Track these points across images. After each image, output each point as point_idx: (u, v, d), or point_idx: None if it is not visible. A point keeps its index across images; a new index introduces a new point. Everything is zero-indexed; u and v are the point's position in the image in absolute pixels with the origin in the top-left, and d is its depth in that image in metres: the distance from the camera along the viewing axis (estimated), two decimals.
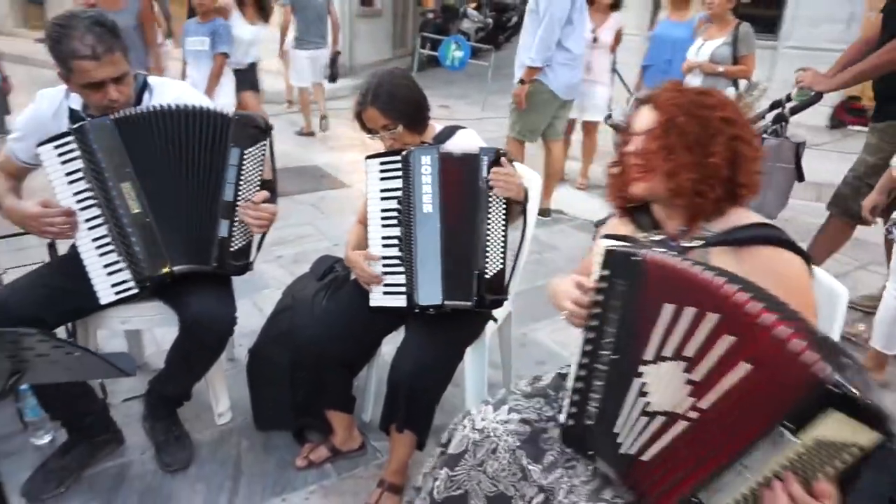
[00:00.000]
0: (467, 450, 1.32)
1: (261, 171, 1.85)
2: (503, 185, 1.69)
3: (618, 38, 4.61)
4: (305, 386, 1.95)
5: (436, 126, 1.96)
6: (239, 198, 1.81)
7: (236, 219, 1.82)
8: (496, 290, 1.76)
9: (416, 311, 1.80)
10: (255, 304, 2.95)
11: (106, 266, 1.78)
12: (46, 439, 2.10)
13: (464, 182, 1.75)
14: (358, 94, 1.85)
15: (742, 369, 0.92)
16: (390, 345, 2.09)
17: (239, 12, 4.70)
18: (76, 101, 1.82)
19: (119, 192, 1.74)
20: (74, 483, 1.94)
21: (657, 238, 1.28)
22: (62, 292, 1.77)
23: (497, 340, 2.29)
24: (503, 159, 1.73)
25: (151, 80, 1.92)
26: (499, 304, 1.81)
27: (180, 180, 1.80)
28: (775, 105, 3.00)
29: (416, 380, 1.70)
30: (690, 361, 1.00)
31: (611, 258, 1.15)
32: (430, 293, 1.78)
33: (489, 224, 1.73)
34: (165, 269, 1.80)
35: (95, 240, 1.77)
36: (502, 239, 1.75)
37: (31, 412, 2.08)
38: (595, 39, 4.42)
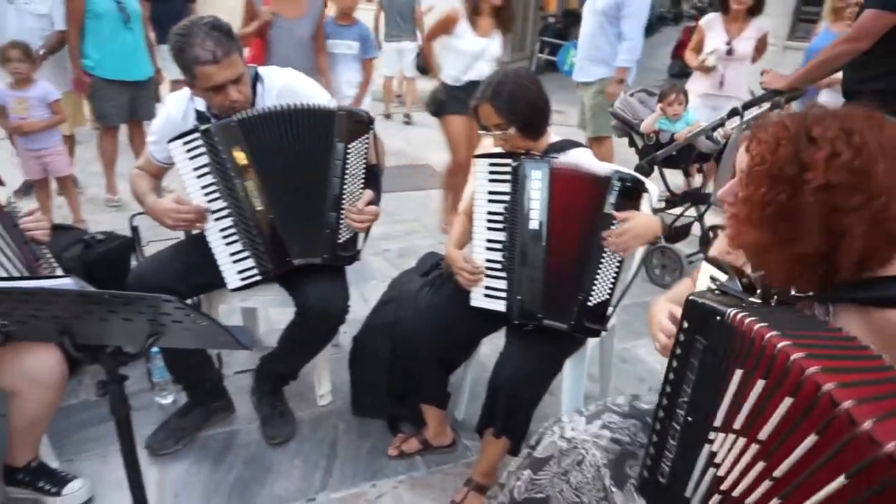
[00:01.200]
0: (553, 456, 1.30)
1: (364, 162, 1.90)
2: (626, 240, 1.64)
3: (761, 47, 4.08)
4: (403, 377, 1.99)
5: (551, 135, 1.91)
6: (344, 191, 1.88)
7: (342, 211, 1.89)
8: (596, 319, 1.73)
9: (515, 322, 1.79)
10: (361, 294, 3.05)
11: (232, 255, 1.90)
12: (169, 399, 2.29)
13: (583, 204, 1.70)
14: (480, 87, 1.83)
15: (836, 483, 0.75)
16: (488, 345, 2.10)
17: (468, 22, 3.52)
18: (201, 103, 1.92)
19: (244, 191, 1.83)
20: (190, 442, 2.11)
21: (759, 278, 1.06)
22: (194, 267, 1.92)
23: (597, 353, 2.24)
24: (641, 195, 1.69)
25: (261, 70, 1.99)
26: (596, 333, 1.77)
27: (295, 176, 1.88)
28: (732, 113, 3.03)
29: (517, 388, 1.69)
30: (763, 446, 0.86)
31: (692, 311, 0.99)
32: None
33: (606, 253, 1.69)
34: (287, 263, 1.89)
35: (222, 230, 1.88)
36: (615, 270, 1.70)
37: (158, 373, 2.28)
38: (730, 52, 3.95)
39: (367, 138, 1.89)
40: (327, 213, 1.89)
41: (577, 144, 1.89)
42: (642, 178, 1.72)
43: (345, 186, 1.88)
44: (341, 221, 1.90)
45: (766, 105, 2.84)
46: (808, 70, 2.68)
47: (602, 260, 1.69)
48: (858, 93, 2.49)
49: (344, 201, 1.89)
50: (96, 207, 4.16)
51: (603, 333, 1.95)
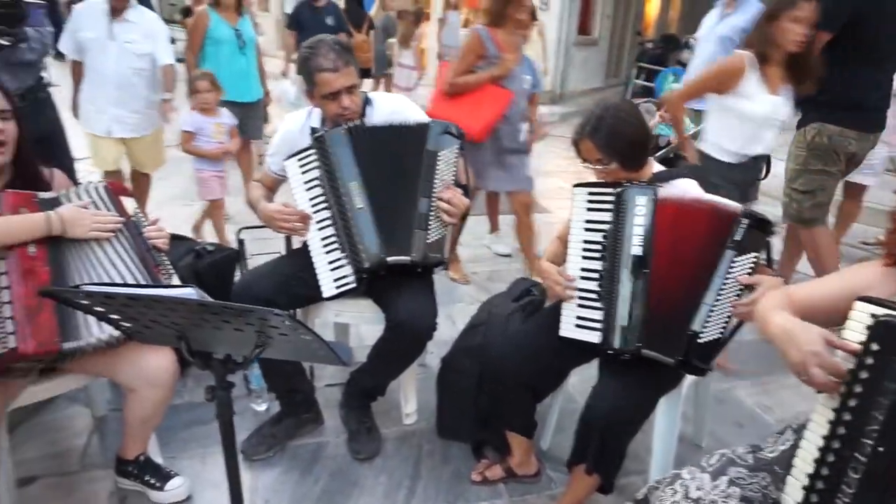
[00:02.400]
0: None
1: (454, 171, 2.00)
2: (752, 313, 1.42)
3: None
4: (490, 402, 1.98)
5: (654, 164, 1.88)
6: (433, 194, 1.97)
7: (431, 213, 1.97)
8: (705, 357, 1.65)
9: (610, 352, 1.74)
10: (448, 315, 3.08)
11: (330, 263, 2.00)
12: (263, 407, 2.39)
13: (699, 236, 1.66)
14: (580, 122, 1.85)
15: None
16: (577, 376, 2.05)
17: (759, 74, 2.47)
18: (316, 120, 2.12)
19: (347, 190, 1.97)
20: (280, 451, 2.18)
21: None
22: (294, 280, 2.02)
23: (693, 392, 2.14)
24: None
25: (371, 95, 2.17)
26: (701, 372, 1.69)
27: (392, 180, 1.99)
28: None
29: (612, 424, 1.64)
30: None
31: (882, 330, 0.94)
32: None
33: (724, 288, 1.62)
34: (381, 260, 1.96)
35: (323, 239, 2.00)
36: (732, 307, 1.62)
37: (255, 381, 2.38)
38: None
39: (457, 149, 2.01)
40: (418, 213, 1.96)
41: (682, 175, 1.83)
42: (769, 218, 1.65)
43: (434, 189, 1.96)
44: (430, 222, 1.96)
45: None
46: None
47: (720, 296, 1.62)
48: (813, 102, 2.68)
49: (433, 203, 1.96)
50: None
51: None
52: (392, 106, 2.15)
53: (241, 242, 2.58)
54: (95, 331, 1.60)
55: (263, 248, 2.77)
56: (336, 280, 1.99)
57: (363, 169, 1.98)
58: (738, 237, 1.61)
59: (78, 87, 3.47)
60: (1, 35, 1.95)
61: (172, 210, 4.24)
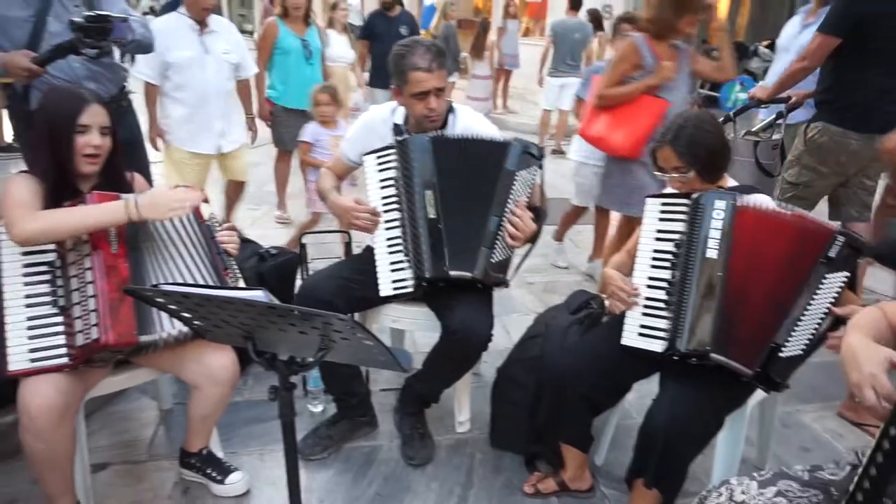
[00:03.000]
0: None
1: (529, 192, 1.98)
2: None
3: None
4: (545, 414, 1.96)
5: (728, 179, 1.86)
6: (505, 213, 1.96)
7: (500, 233, 1.96)
8: (783, 373, 1.60)
9: (676, 357, 1.70)
10: (503, 325, 3.07)
11: (392, 264, 2.02)
12: (319, 408, 2.44)
13: (785, 249, 1.63)
14: (659, 131, 1.85)
15: None
16: (635, 392, 2.01)
17: None
18: (399, 117, 2.15)
19: (422, 198, 1.98)
20: (335, 452, 2.22)
21: None
22: (353, 283, 2.06)
23: (758, 414, 2.06)
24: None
25: (455, 105, 2.19)
26: (777, 387, 1.63)
27: (467, 194, 1.98)
28: (726, 119, 3.22)
29: (673, 435, 1.60)
30: None
31: None
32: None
33: (813, 303, 1.59)
34: (443, 271, 1.96)
35: (389, 239, 2.03)
36: (817, 323, 1.58)
37: (313, 382, 2.44)
38: None
39: (535, 170, 2.00)
40: (486, 232, 1.95)
41: (755, 190, 1.80)
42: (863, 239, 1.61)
43: (506, 210, 1.95)
44: (497, 241, 1.95)
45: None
46: (777, 85, 3.06)
47: (808, 310, 1.59)
48: (819, 102, 2.84)
49: (504, 224, 1.95)
50: (268, 223, 4.58)
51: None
52: (470, 119, 2.17)
53: (302, 247, 2.64)
54: (167, 326, 1.68)
55: (323, 253, 2.84)
56: (395, 281, 2.01)
57: (441, 179, 1.98)
58: (831, 254, 1.58)
59: (154, 111, 3.37)
60: (89, 47, 2.07)
61: (237, 213, 4.39)
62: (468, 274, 1.97)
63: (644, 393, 1.93)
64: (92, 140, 1.71)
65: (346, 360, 1.39)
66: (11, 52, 2.15)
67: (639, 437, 1.70)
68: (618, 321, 1.86)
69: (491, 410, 2.26)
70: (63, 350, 1.61)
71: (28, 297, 1.62)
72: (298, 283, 2.89)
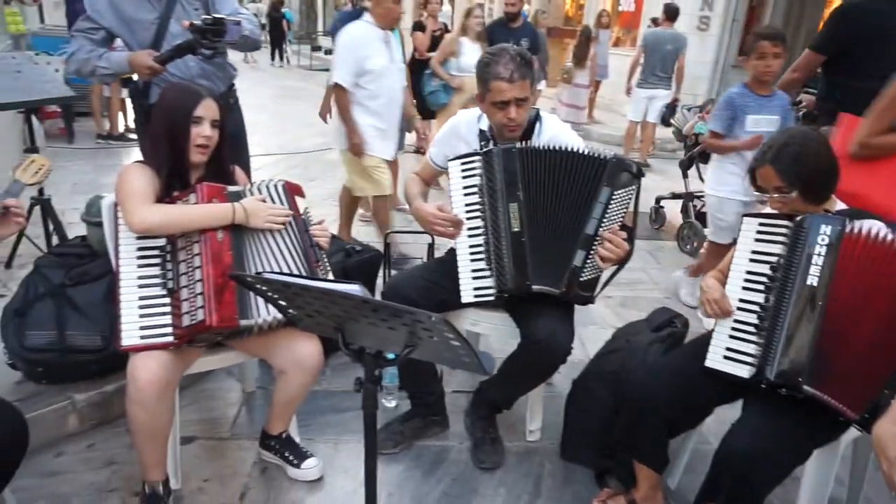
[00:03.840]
0: None
1: (624, 212, 1.94)
2: None
3: None
4: (621, 430, 1.93)
5: (836, 202, 1.77)
6: (598, 233, 1.92)
7: (592, 251, 1.92)
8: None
9: (763, 385, 1.64)
10: (579, 337, 3.00)
11: (474, 271, 2.04)
12: (393, 404, 2.50)
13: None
14: (759, 149, 1.77)
15: None
16: (714, 416, 1.94)
17: None
18: (485, 123, 2.17)
19: (506, 211, 1.97)
20: (406, 448, 2.27)
21: None
22: (437, 286, 2.09)
23: (852, 452, 1.95)
24: None
25: (543, 114, 2.18)
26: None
27: (555, 209, 1.97)
28: None
29: (749, 464, 1.54)
30: None
31: None
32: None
33: None
34: (526, 286, 1.95)
35: (471, 247, 2.04)
36: None
37: (388, 378, 2.49)
38: None
39: (632, 190, 1.94)
40: (577, 250, 1.93)
41: (869, 215, 1.69)
42: None
43: (600, 228, 1.92)
44: (588, 260, 1.93)
45: None
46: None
47: None
48: (819, 109, 3.18)
49: (596, 243, 1.92)
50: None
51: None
52: (556, 129, 2.16)
53: (387, 246, 2.72)
54: (263, 312, 1.77)
55: (406, 252, 2.90)
56: (476, 289, 2.03)
57: (527, 192, 1.96)
58: None
59: (350, 118, 3.39)
60: (205, 48, 2.22)
61: (324, 210, 4.54)
62: (553, 290, 1.95)
63: (724, 419, 1.85)
64: (203, 131, 1.84)
65: (431, 359, 1.42)
66: (137, 51, 2.34)
67: (714, 461, 1.64)
68: (702, 343, 1.81)
69: (564, 421, 2.25)
70: (169, 329, 1.73)
71: (141, 278, 1.76)
72: (380, 280, 2.99)
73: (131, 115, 6.62)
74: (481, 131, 2.16)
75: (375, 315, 1.22)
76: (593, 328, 3.17)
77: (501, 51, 2.03)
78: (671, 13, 6.81)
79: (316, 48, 17.85)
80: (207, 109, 1.84)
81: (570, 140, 2.11)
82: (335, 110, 3.56)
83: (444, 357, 1.39)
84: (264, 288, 1.33)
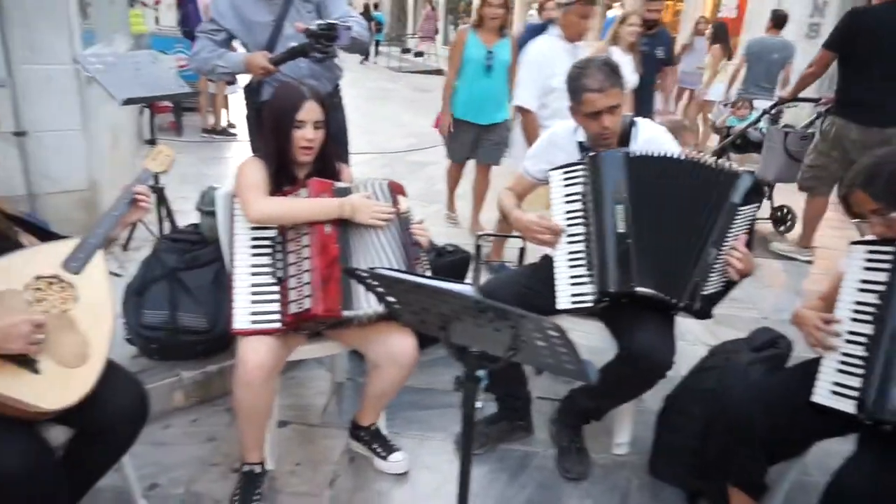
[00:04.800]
0: None
1: (747, 228, 1.88)
2: None
3: None
4: (716, 452, 1.86)
5: None
6: (722, 248, 1.86)
7: (715, 266, 1.87)
8: None
9: (869, 423, 1.54)
10: None
11: (572, 277, 2.02)
12: (478, 406, 2.49)
13: None
14: (848, 175, 1.72)
15: None
16: (819, 447, 1.84)
17: None
18: (582, 135, 2.16)
19: (611, 212, 1.96)
20: (490, 450, 2.27)
21: None
22: (531, 291, 2.09)
23: None
24: None
25: (637, 119, 2.17)
26: None
27: (666, 216, 1.93)
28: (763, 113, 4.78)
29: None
30: None
31: None
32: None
33: None
34: (628, 287, 1.92)
35: (571, 253, 2.02)
36: None
37: None
38: None
39: (756, 207, 1.90)
40: (700, 263, 1.88)
41: None
42: None
43: (724, 244, 1.86)
44: (711, 275, 1.88)
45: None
46: (794, 88, 4.15)
47: None
48: (833, 101, 3.57)
49: (720, 258, 1.87)
50: (438, 221, 4.77)
51: None
52: (652, 132, 2.14)
53: (478, 248, 2.73)
54: (365, 305, 1.83)
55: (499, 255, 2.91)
56: (573, 295, 2.00)
57: (633, 195, 1.95)
58: None
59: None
60: (317, 51, 2.33)
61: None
62: (670, 300, 1.91)
63: (830, 452, 1.75)
64: (306, 134, 1.91)
65: (532, 363, 1.42)
66: (253, 52, 2.47)
67: (823, 500, 1.55)
68: (808, 370, 1.72)
69: (654, 437, 2.19)
70: (277, 316, 1.81)
71: (253, 266, 1.86)
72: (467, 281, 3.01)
73: (234, 111, 7.04)
74: (580, 143, 2.16)
75: (483, 316, 1.23)
76: (682, 344, 3.04)
77: (588, 62, 2.04)
78: (779, 20, 6.49)
79: (405, 50, 18.20)
80: (310, 112, 1.91)
81: (667, 143, 2.10)
82: (519, 135, 3.40)
83: (546, 362, 1.38)
84: (375, 283, 1.37)
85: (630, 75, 3.79)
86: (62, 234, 1.66)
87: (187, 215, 3.48)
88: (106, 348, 1.51)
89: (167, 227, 3.47)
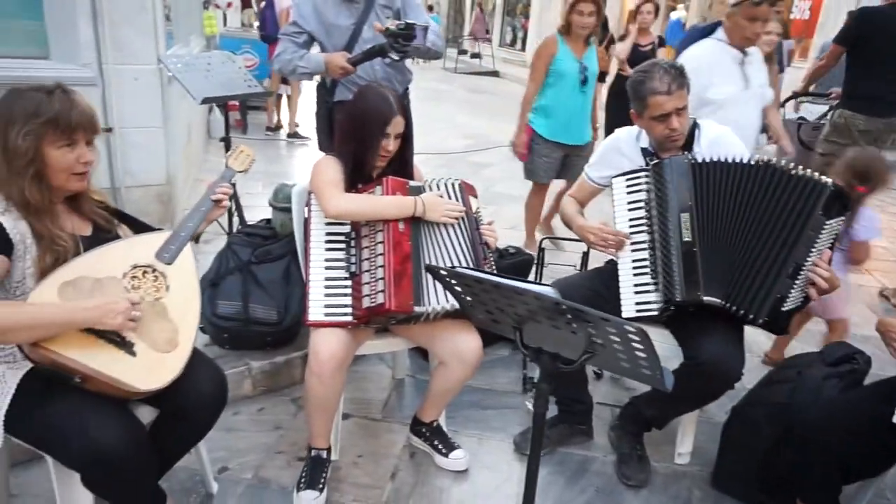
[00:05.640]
0: None
1: (832, 241, 1.84)
2: None
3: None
4: (786, 467, 1.83)
5: None
6: (807, 262, 1.81)
7: (798, 281, 1.82)
8: None
9: None
10: None
11: (636, 286, 2.01)
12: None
13: None
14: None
15: None
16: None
17: None
18: (645, 141, 2.15)
19: (676, 221, 1.93)
20: (549, 453, 2.28)
21: None
22: (597, 296, 2.08)
23: None
24: None
25: (700, 120, 2.15)
26: None
27: (740, 225, 1.89)
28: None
29: None
30: None
31: None
32: None
33: None
34: (695, 297, 1.89)
35: (635, 262, 2.02)
36: None
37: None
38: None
39: (842, 220, 1.86)
40: (782, 277, 1.83)
41: None
42: None
43: (809, 257, 1.82)
44: (793, 290, 1.83)
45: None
46: (806, 81, 4.55)
47: None
48: (843, 93, 3.84)
49: (803, 272, 1.82)
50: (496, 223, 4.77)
51: None
52: (716, 133, 2.12)
53: (541, 250, 2.74)
54: (434, 302, 1.86)
55: (558, 259, 2.91)
56: (638, 304, 2.00)
57: (699, 203, 1.92)
58: None
59: None
60: (395, 51, 2.39)
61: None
62: (747, 313, 1.87)
63: None
64: (388, 145, 1.98)
65: (606, 367, 1.43)
66: (332, 53, 2.55)
67: None
68: (888, 388, 1.66)
69: (719, 449, 2.15)
70: (349, 309, 1.87)
71: (327, 260, 1.92)
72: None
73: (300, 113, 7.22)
74: (643, 150, 2.15)
75: (561, 318, 1.25)
76: (747, 355, 2.98)
77: (652, 66, 2.03)
78: None
79: (462, 51, 18.26)
80: (396, 126, 1.98)
81: (733, 144, 2.06)
82: None
83: (621, 367, 1.39)
84: (453, 281, 1.40)
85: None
86: (154, 227, 1.76)
87: (252, 210, 3.61)
88: (193, 336, 1.59)
89: (237, 221, 3.60)
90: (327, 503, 1.98)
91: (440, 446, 2.19)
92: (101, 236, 1.60)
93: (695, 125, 2.13)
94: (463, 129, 8.44)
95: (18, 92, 1.47)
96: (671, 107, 1.98)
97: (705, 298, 1.89)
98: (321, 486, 1.96)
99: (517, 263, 2.85)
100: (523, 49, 18.31)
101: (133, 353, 1.46)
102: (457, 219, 1.96)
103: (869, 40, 3.58)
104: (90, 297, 1.44)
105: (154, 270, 1.59)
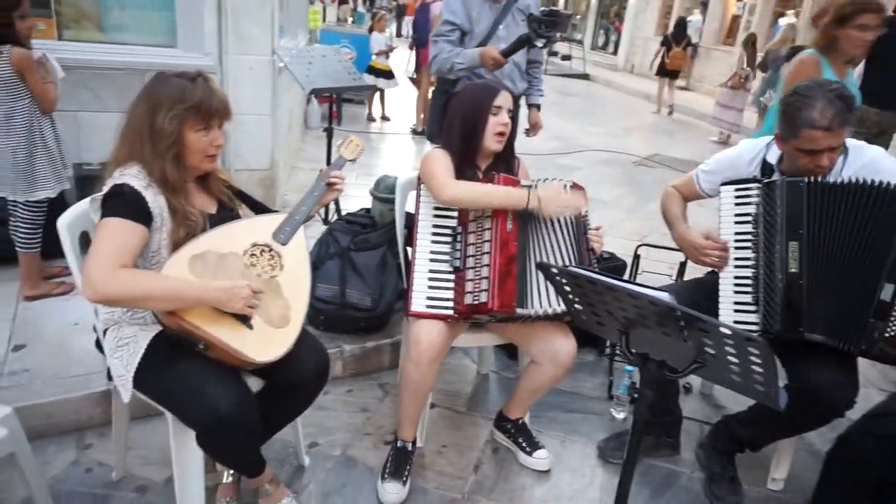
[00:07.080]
0: None
1: None
2: None
3: None
4: None
5: None
6: None
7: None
8: None
9: None
10: None
11: (736, 304, 1.92)
12: (622, 415, 2.48)
13: None
14: None
15: None
16: None
17: None
18: (773, 155, 1.98)
19: (783, 249, 1.80)
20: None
21: None
22: (695, 306, 1.98)
23: None
24: None
25: (849, 142, 1.91)
26: None
27: (850, 255, 1.75)
28: None
29: None
30: None
31: None
32: None
33: None
34: (797, 332, 1.79)
35: (737, 278, 1.93)
36: None
37: (622, 389, 2.49)
38: None
39: None
40: (877, 298, 1.71)
41: None
42: None
43: None
44: (893, 313, 1.71)
45: None
46: None
47: None
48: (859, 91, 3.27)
49: None
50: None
51: None
52: (869, 157, 1.89)
53: (636, 258, 2.70)
54: (536, 305, 1.86)
55: (654, 268, 2.86)
56: (736, 322, 1.89)
57: (812, 232, 1.78)
58: None
59: None
60: (541, 37, 2.48)
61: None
62: (846, 346, 1.76)
63: None
64: (502, 119, 1.99)
65: (714, 379, 1.39)
66: (485, 47, 2.73)
67: None
68: None
69: (820, 478, 2.03)
70: (450, 303, 1.91)
71: (432, 253, 1.96)
72: None
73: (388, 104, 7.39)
74: (765, 162, 1.99)
75: (673, 325, 1.23)
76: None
77: (816, 91, 1.75)
78: None
79: (553, 53, 18.06)
80: (505, 100, 2.00)
81: (887, 169, 1.82)
82: None
83: (732, 381, 1.35)
84: (563, 280, 1.41)
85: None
86: (271, 209, 1.86)
87: (346, 199, 3.73)
88: (303, 314, 1.68)
89: (333, 209, 3.74)
90: (411, 488, 2.03)
91: (524, 444, 2.20)
92: (225, 214, 1.71)
93: (844, 151, 1.88)
94: (551, 130, 8.33)
95: (164, 77, 1.59)
96: (825, 144, 1.75)
97: (806, 335, 1.79)
98: (405, 478, 2.01)
99: (610, 269, 2.81)
100: (615, 53, 17.94)
101: (251, 327, 1.56)
102: (574, 213, 1.93)
103: (884, 46, 3.33)
104: (215, 271, 1.54)
105: (271, 250, 1.68)
